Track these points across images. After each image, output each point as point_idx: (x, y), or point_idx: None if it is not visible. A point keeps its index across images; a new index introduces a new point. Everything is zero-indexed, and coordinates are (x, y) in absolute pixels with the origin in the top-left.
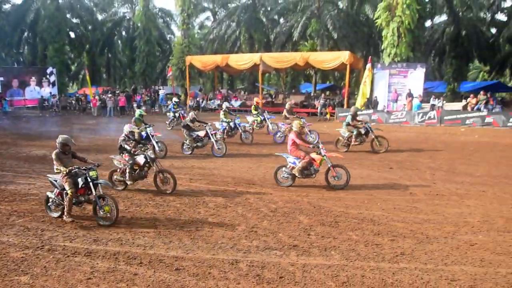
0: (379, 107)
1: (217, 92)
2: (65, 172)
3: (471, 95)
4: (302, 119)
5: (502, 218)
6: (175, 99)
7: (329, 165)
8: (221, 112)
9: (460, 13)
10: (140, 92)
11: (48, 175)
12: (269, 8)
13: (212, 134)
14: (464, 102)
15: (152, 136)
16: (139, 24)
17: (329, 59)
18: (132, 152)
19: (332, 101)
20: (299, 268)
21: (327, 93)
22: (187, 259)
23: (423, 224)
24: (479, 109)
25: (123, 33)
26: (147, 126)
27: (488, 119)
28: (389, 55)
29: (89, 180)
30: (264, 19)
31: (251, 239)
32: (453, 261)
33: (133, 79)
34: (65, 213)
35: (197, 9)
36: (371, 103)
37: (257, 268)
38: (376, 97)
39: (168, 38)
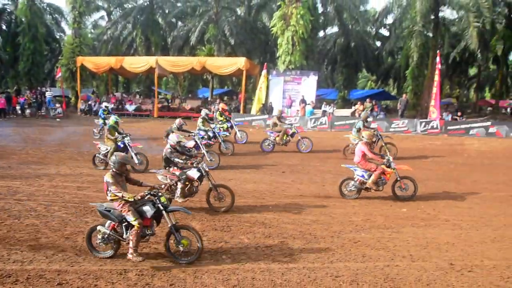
0: (274, 113)
1: (111, 95)
2: (131, 200)
3: (359, 102)
4: (293, 127)
5: (382, 216)
6: (105, 104)
7: (397, 177)
8: (199, 120)
9: (350, 26)
10: (24, 93)
11: (94, 203)
12: (167, 11)
13: (202, 145)
14: (353, 108)
15: (130, 146)
16: (23, 19)
17: (226, 64)
18: (180, 165)
19: (229, 106)
20: (190, 274)
21: (225, 98)
22: (71, 272)
23: (312, 225)
24: None
25: (4, 27)
26: (124, 135)
27: (373, 125)
28: (284, 63)
29: (161, 208)
30: (161, 22)
31: (141, 247)
32: (338, 258)
33: (17, 79)
34: (131, 251)
35: (90, 7)
36: (266, 108)
37: (147, 277)
38: (271, 102)
39: (58, 37)
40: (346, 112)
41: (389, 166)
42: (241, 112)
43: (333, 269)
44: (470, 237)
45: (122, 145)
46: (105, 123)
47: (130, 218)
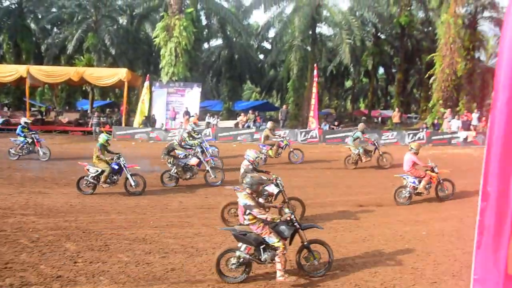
0: (157, 125)
1: None
2: (277, 221)
3: (242, 114)
4: (285, 139)
5: None
6: (24, 119)
7: (440, 180)
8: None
9: (234, 39)
10: None
11: (226, 228)
12: (39, 16)
13: (206, 161)
14: (237, 119)
15: (126, 167)
16: None
17: (106, 75)
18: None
19: (110, 119)
20: None
21: (107, 110)
22: None
23: (194, 238)
24: (249, 127)
25: None
26: (118, 155)
27: (256, 135)
28: (167, 74)
29: (298, 226)
30: (34, 27)
31: (4, 277)
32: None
33: None
34: (281, 274)
35: None
36: (149, 121)
37: None
38: (154, 115)
39: None
40: (230, 123)
41: (433, 171)
42: (123, 125)
43: (215, 282)
44: (344, 238)
45: (116, 166)
46: (27, 142)
47: (273, 239)
